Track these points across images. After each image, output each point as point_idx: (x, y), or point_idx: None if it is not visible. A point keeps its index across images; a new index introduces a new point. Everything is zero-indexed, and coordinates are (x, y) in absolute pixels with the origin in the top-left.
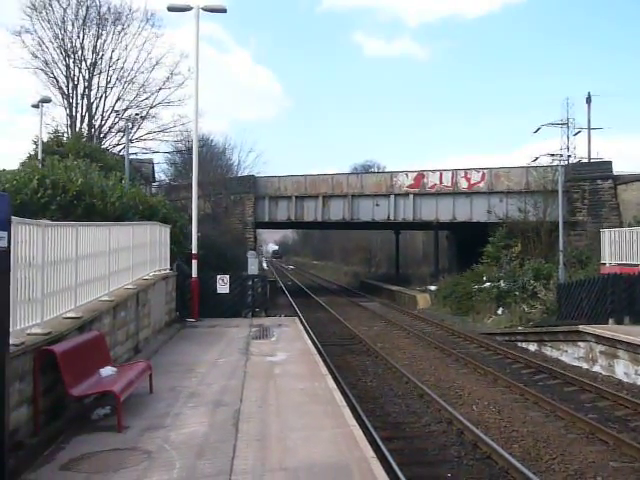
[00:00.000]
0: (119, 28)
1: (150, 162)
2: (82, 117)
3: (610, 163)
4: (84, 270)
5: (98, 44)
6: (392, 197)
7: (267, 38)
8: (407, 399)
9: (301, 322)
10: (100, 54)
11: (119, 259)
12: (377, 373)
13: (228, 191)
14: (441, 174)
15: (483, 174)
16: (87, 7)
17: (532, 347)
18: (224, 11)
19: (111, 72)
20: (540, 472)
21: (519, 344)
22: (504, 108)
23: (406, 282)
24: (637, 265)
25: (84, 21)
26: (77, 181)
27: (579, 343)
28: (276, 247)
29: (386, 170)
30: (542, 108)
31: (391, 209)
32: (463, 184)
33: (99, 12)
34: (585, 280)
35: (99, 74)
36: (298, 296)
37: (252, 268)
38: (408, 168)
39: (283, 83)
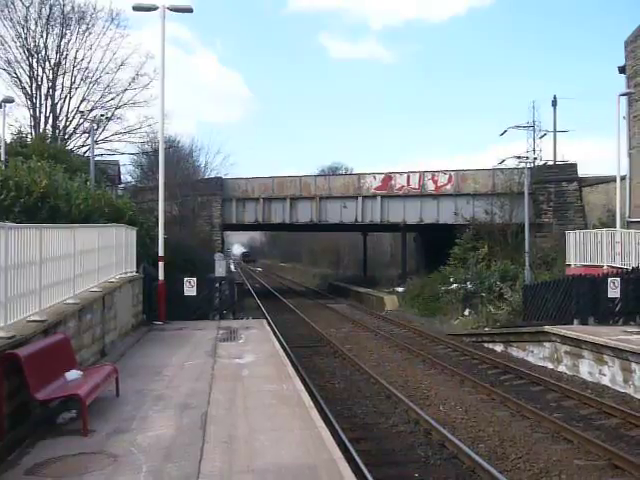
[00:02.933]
0: (83, 28)
1: (116, 164)
2: (46, 118)
3: (575, 165)
4: (49, 273)
5: (62, 44)
6: (360, 199)
7: (232, 40)
8: (375, 400)
9: (269, 324)
10: (64, 54)
11: (84, 262)
12: (345, 375)
13: (195, 193)
14: (408, 176)
15: (450, 176)
16: (50, 6)
17: (498, 348)
18: (190, 11)
19: (76, 72)
20: (506, 471)
21: (486, 345)
22: (471, 111)
23: (374, 284)
24: (602, 266)
25: (47, 20)
26: (41, 183)
27: (545, 343)
28: (246, 249)
29: (354, 172)
30: (509, 111)
31: (359, 211)
32: (430, 186)
33: (63, 11)
34: (550, 281)
35: (63, 74)
36: (266, 298)
37: (219, 270)
38: (376, 170)
39: (249, 85)
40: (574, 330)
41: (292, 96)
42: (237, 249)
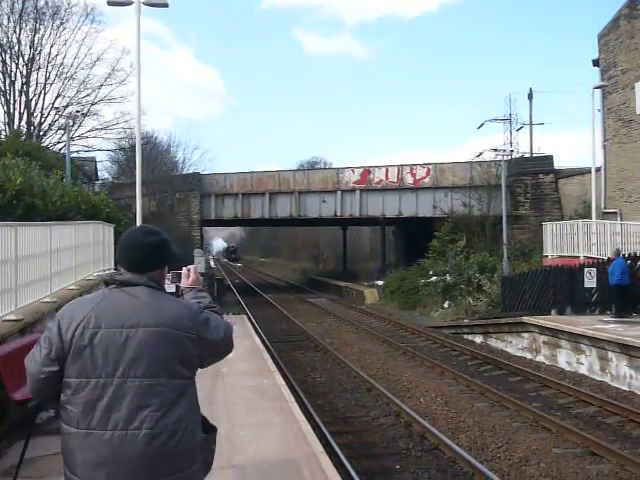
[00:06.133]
0: (57, 23)
1: (92, 160)
2: (20, 114)
3: (551, 158)
4: (25, 271)
5: (36, 39)
6: (339, 193)
7: (208, 36)
8: (356, 393)
9: (249, 320)
10: (38, 49)
11: (61, 259)
12: (326, 368)
13: (173, 189)
14: (387, 170)
15: (428, 170)
16: (23, 1)
17: (478, 339)
18: (166, 6)
19: (50, 68)
20: (486, 460)
21: (465, 336)
22: (448, 104)
23: (354, 278)
24: (578, 257)
25: (20, 15)
26: (16, 180)
27: (523, 334)
28: (230, 244)
29: (332, 166)
30: (486, 104)
31: (338, 205)
32: (409, 180)
33: (36, 6)
34: (528, 272)
35: (37, 70)
36: (246, 294)
37: (199, 266)
38: (354, 164)
39: (226, 80)
40: (552, 320)
41: (268, 91)
42: (217, 244)
